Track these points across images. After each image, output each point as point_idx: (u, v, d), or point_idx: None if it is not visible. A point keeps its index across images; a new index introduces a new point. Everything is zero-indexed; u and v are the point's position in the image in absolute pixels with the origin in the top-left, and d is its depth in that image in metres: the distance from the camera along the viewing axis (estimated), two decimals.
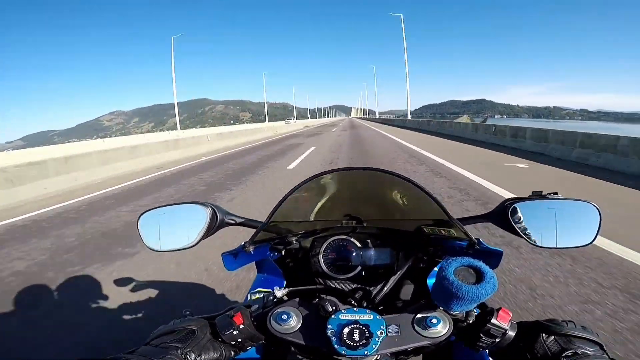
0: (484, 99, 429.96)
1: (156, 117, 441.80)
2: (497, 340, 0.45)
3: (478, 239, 0.64)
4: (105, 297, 2.12)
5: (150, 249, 0.68)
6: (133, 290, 2.16)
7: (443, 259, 0.45)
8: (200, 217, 0.67)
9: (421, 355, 0.70)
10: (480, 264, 0.44)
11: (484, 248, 0.64)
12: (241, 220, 0.73)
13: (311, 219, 0.80)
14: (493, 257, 0.62)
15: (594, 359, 0.40)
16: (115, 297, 2.09)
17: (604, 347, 0.43)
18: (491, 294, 0.42)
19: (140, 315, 1.92)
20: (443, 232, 0.69)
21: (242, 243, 0.69)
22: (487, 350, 0.62)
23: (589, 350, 0.42)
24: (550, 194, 0.63)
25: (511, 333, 0.45)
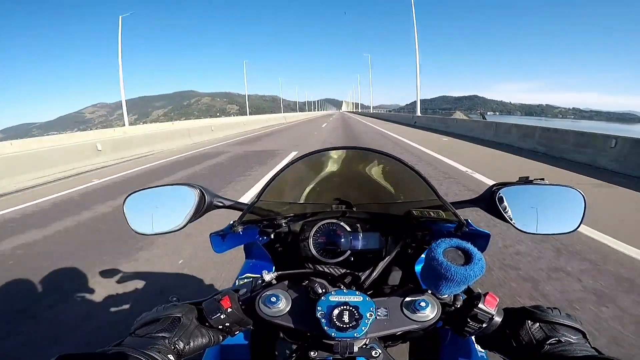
0: (476, 95, 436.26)
1: (141, 109, 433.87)
2: (484, 325, 0.47)
3: (467, 220, 0.66)
4: None
5: (136, 232, 0.67)
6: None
7: (432, 243, 0.47)
8: (188, 199, 0.67)
9: (408, 342, 0.73)
10: (469, 245, 0.45)
11: (472, 230, 0.66)
12: (230, 203, 0.73)
13: (301, 201, 0.81)
14: (481, 240, 0.64)
15: (577, 347, 0.42)
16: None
17: (587, 335, 0.45)
18: (479, 275, 0.43)
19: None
20: (432, 214, 0.70)
21: (231, 222, 0.69)
22: (473, 337, 0.65)
23: (572, 338, 0.43)
24: (537, 179, 0.65)
25: (498, 319, 0.47)
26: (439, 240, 0.46)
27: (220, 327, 0.50)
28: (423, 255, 0.68)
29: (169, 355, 0.44)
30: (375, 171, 0.82)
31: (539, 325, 0.45)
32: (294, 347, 0.62)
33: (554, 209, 0.64)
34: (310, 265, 0.72)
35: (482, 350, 0.64)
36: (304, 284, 0.53)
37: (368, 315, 0.45)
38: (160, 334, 0.46)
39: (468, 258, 0.44)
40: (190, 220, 0.66)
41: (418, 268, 0.70)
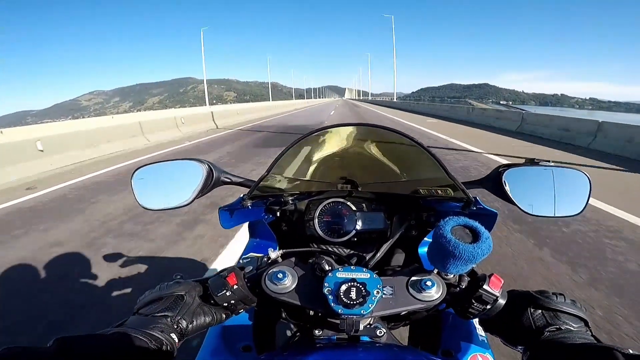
0: (487, 84, 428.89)
1: (137, 97, 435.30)
2: (488, 307, 0.49)
3: (475, 198, 0.69)
4: None
5: (143, 207, 0.69)
6: None
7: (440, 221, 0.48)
8: (196, 174, 0.69)
9: (408, 327, 0.76)
10: (476, 224, 0.46)
11: (479, 208, 0.68)
12: (238, 179, 0.75)
13: (307, 178, 0.84)
14: (487, 219, 0.67)
15: (576, 335, 0.44)
16: None
17: (589, 323, 0.46)
18: (487, 253, 0.44)
19: None
20: (440, 192, 0.73)
21: (241, 196, 0.72)
22: (475, 322, 0.68)
23: (572, 326, 0.45)
24: (543, 161, 0.68)
25: (502, 301, 0.49)
26: (447, 218, 0.47)
27: (225, 304, 0.51)
28: (426, 238, 0.71)
29: (171, 334, 0.45)
30: (382, 149, 0.84)
31: (541, 312, 0.47)
32: (296, 328, 0.64)
33: (559, 191, 0.67)
34: (315, 245, 0.75)
35: (483, 335, 0.67)
36: (310, 261, 0.55)
37: (375, 292, 0.47)
38: (162, 313, 0.47)
39: (476, 236, 0.45)
40: (198, 196, 0.68)
41: (421, 250, 0.73)
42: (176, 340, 0.46)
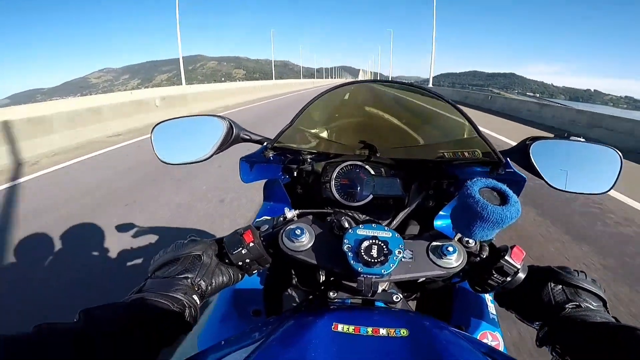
0: (514, 74, 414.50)
1: (147, 74, 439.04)
2: (508, 279, 0.48)
3: (507, 159, 0.68)
4: None
5: (163, 161, 0.72)
6: None
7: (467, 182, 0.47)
8: (217, 130, 0.70)
9: (415, 301, 0.76)
10: (504, 187, 0.45)
11: (508, 172, 0.68)
12: (257, 137, 0.76)
13: (329, 137, 0.84)
14: (516, 185, 0.67)
15: (597, 313, 0.44)
16: None
17: (607, 303, 0.47)
18: (515, 218, 0.43)
19: None
20: (467, 154, 0.72)
21: (264, 144, 0.73)
22: (487, 298, 0.70)
23: (592, 304, 0.45)
24: (574, 136, 0.68)
25: (522, 274, 0.49)
26: (475, 179, 0.46)
27: (240, 263, 0.51)
28: (442, 212, 0.71)
29: (193, 296, 0.46)
30: (403, 114, 0.85)
31: (562, 287, 0.47)
32: (305, 295, 0.66)
33: (588, 168, 0.67)
34: (330, 208, 0.75)
35: (494, 313, 0.68)
36: (328, 219, 0.55)
37: (397, 252, 0.45)
38: (182, 275, 0.47)
39: (504, 199, 0.44)
40: (216, 152, 0.70)
41: (437, 223, 0.72)
42: (198, 302, 0.46)
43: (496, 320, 0.68)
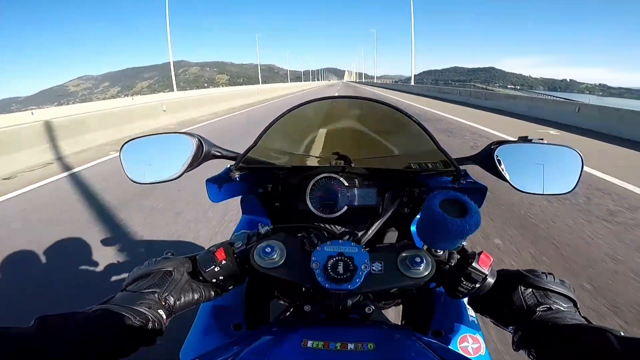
0: (493, 67, 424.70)
1: (127, 81, 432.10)
2: (477, 285, 0.50)
3: (465, 171, 0.70)
4: None
5: (132, 180, 0.70)
6: None
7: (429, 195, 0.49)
8: (186, 147, 0.70)
9: (400, 306, 0.78)
10: (465, 198, 0.47)
11: (469, 182, 0.71)
12: (228, 153, 0.76)
13: (300, 152, 0.84)
14: (477, 195, 0.69)
15: (568, 315, 0.45)
16: None
17: (577, 304, 0.48)
18: (475, 229, 0.45)
19: None
20: (430, 165, 0.75)
21: (227, 166, 0.73)
22: (466, 301, 0.71)
23: (562, 306, 0.46)
24: (536, 139, 0.69)
25: (491, 280, 0.50)
26: (436, 192, 0.48)
27: (214, 280, 0.52)
28: (419, 215, 0.72)
29: (159, 310, 0.46)
30: (375, 125, 0.86)
31: (532, 290, 0.48)
32: (287, 306, 0.66)
33: (551, 169, 0.68)
34: (307, 221, 0.76)
35: (474, 316, 0.69)
36: (299, 235, 0.56)
37: (362, 267, 0.47)
38: (150, 289, 0.47)
39: (464, 211, 0.46)
40: (187, 170, 0.69)
41: (414, 228, 0.74)
42: (164, 317, 0.47)
43: (476, 322, 0.69)
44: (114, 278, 2.06)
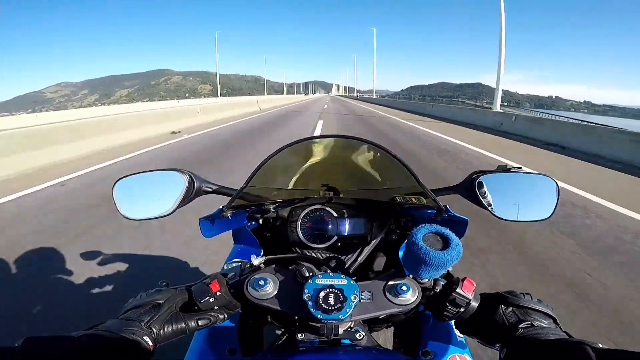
0: (480, 83, 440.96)
1: (107, 89, 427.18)
2: (462, 310, 0.54)
3: (445, 206, 0.76)
4: None
5: (125, 217, 0.73)
6: None
7: (413, 229, 0.54)
8: (178, 184, 0.73)
9: (392, 328, 0.83)
10: (447, 231, 0.52)
11: (450, 215, 0.76)
12: (220, 189, 0.80)
13: (289, 187, 0.89)
14: (459, 226, 0.74)
15: (549, 331, 0.48)
16: None
17: (557, 320, 0.51)
18: (456, 260, 0.49)
19: None
20: (414, 199, 0.80)
21: (220, 207, 0.76)
22: (453, 323, 0.76)
23: (543, 322, 0.50)
24: (514, 167, 0.76)
25: (474, 303, 0.54)
26: (420, 226, 0.52)
27: (209, 310, 0.56)
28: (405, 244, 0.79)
29: (144, 337, 0.49)
30: (361, 158, 0.91)
31: (512, 309, 0.52)
32: (282, 331, 0.69)
33: (529, 197, 0.76)
34: (298, 250, 0.80)
35: (462, 336, 0.73)
36: (291, 268, 0.60)
37: (352, 297, 0.52)
38: (138, 318, 0.51)
39: (446, 243, 0.50)
40: (180, 206, 0.72)
41: (402, 254, 0.77)
42: (150, 344, 0.49)
43: (464, 342, 0.72)
44: None
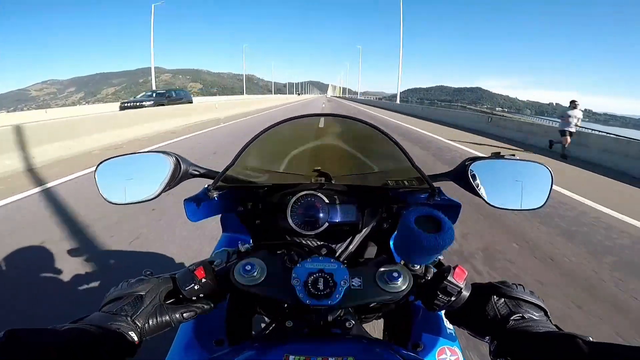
0: (480, 88, 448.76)
1: (94, 87, 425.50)
2: (453, 298, 0.54)
3: (439, 188, 0.77)
4: None
5: (108, 201, 0.71)
6: None
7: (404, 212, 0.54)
8: (163, 167, 0.72)
9: (382, 320, 0.83)
10: (439, 214, 0.52)
11: (443, 199, 0.77)
12: (207, 172, 0.79)
13: (281, 170, 0.89)
14: (452, 211, 0.76)
15: (540, 323, 0.49)
16: None
17: (548, 313, 0.53)
18: (449, 244, 0.49)
19: None
20: (406, 182, 0.82)
21: (206, 186, 0.75)
22: (443, 315, 0.77)
23: (534, 314, 0.51)
24: (508, 155, 0.77)
25: (465, 293, 0.55)
26: (411, 209, 0.53)
27: (194, 298, 0.55)
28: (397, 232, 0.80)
29: (130, 332, 0.49)
30: (354, 142, 0.92)
31: (504, 300, 0.53)
32: (270, 320, 0.69)
33: (523, 185, 0.76)
34: (288, 237, 0.80)
35: (451, 328, 0.75)
36: (279, 252, 0.60)
37: (342, 282, 0.52)
38: (123, 312, 0.51)
39: (439, 226, 0.51)
40: (165, 189, 0.72)
41: (392, 243, 0.78)
42: (135, 339, 0.49)
43: (453, 334, 0.74)
44: None
